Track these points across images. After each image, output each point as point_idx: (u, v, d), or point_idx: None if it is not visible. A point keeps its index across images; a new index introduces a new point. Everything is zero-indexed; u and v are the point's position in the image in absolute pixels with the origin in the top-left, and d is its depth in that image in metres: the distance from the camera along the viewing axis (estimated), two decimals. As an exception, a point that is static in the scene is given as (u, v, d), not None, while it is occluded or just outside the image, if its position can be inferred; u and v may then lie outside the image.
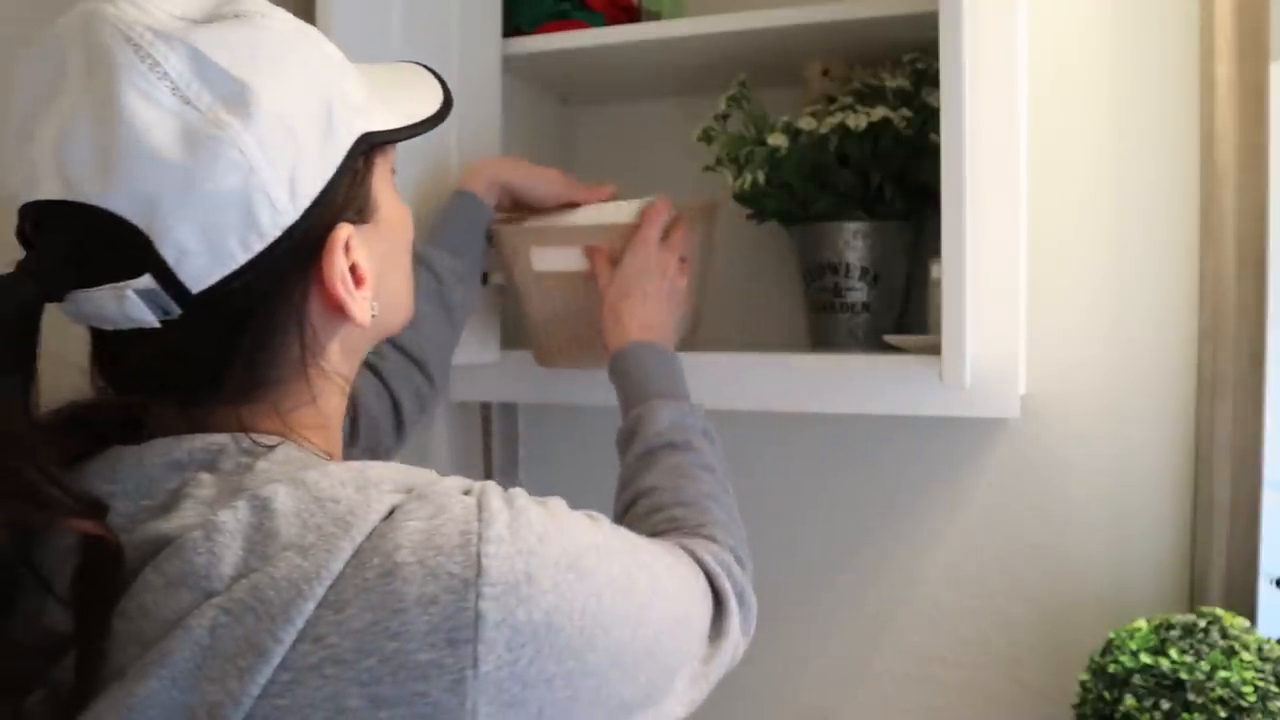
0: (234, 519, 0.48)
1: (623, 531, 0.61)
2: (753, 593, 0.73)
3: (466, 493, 0.53)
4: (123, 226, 0.49)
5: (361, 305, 0.58)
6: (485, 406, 1.42)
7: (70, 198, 0.50)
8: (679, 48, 1.20)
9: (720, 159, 1.21)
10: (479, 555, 0.48)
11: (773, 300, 1.33)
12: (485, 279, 1.20)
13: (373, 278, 0.59)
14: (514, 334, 1.31)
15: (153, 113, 0.49)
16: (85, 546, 0.49)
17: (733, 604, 0.69)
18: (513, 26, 1.26)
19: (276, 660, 0.45)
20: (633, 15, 1.31)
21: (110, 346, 0.55)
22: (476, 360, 1.21)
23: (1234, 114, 1.08)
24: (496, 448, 1.43)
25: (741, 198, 1.20)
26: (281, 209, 0.52)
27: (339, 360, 0.60)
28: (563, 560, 0.51)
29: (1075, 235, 1.17)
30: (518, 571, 0.49)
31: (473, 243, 1.03)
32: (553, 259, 1.07)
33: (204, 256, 0.51)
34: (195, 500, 0.50)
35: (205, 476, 0.51)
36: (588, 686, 0.52)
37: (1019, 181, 1.06)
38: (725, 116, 1.21)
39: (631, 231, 1.02)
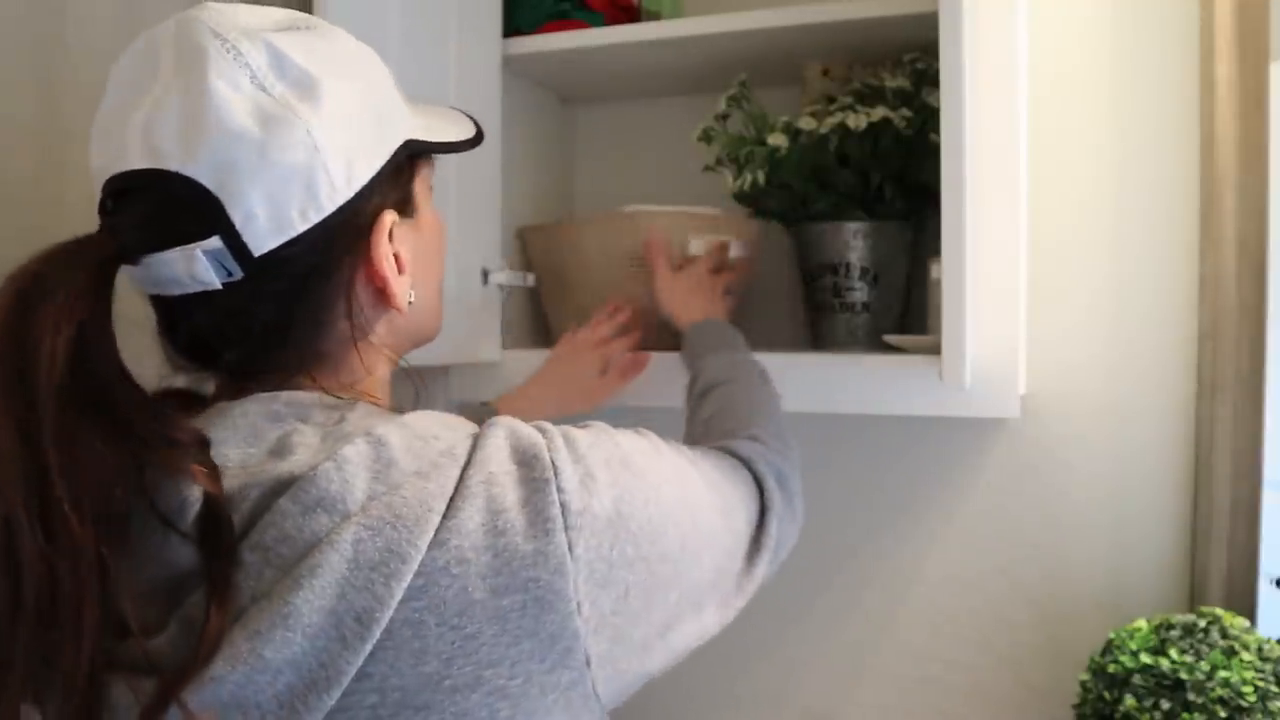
0: (356, 453, 0.54)
1: (671, 442, 0.70)
2: (796, 478, 0.81)
3: (519, 422, 0.62)
4: (200, 191, 0.56)
5: (402, 289, 0.64)
6: (485, 406, 1.41)
7: (156, 165, 0.56)
8: (679, 48, 1.21)
9: (720, 159, 1.21)
10: (552, 461, 0.57)
11: (773, 300, 1.33)
12: (485, 277, 1.21)
13: (411, 269, 0.65)
14: (517, 333, 1.31)
15: (234, 94, 0.56)
16: (205, 489, 0.54)
17: (770, 484, 0.76)
18: (513, 26, 1.26)
19: (415, 566, 0.52)
20: (633, 15, 1.31)
21: (174, 314, 0.61)
22: (477, 360, 1.21)
23: (1234, 114, 1.08)
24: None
25: (741, 198, 1.20)
26: (338, 187, 0.59)
27: (386, 338, 0.66)
28: (614, 460, 0.60)
29: (1075, 235, 1.17)
30: (580, 471, 0.58)
31: None
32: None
33: (267, 222, 0.57)
34: (305, 445, 0.56)
35: (304, 426, 0.58)
36: (663, 571, 0.60)
37: (1019, 181, 1.06)
38: (725, 116, 1.21)
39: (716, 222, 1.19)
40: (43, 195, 0.99)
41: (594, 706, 0.57)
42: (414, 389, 0.69)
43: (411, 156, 0.66)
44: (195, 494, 0.54)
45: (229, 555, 0.52)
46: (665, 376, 1.07)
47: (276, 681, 0.50)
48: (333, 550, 0.51)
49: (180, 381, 0.64)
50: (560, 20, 1.25)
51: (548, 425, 0.61)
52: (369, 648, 0.51)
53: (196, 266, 0.57)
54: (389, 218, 0.63)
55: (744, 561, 0.71)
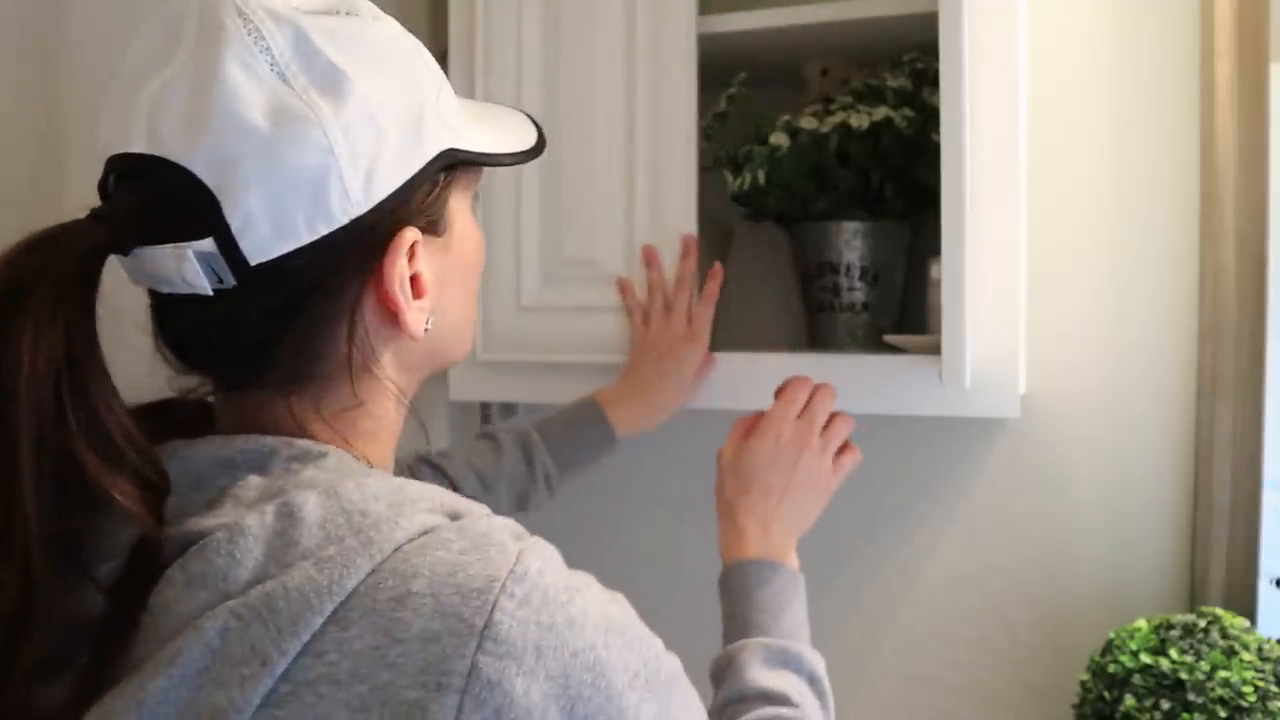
0: (259, 523, 0.48)
1: (687, 695, 0.55)
2: None
3: (517, 539, 0.51)
4: (195, 186, 0.50)
5: (416, 316, 0.57)
6: (485, 406, 1.41)
7: (154, 152, 0.51)
8: (679, 48, 1.20)
9: (718, 158, 1.21)
10: (494, 607, 0.46)
11: (773, 300, 1.33)
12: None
13: (433, 294, 0.58)
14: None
15: (249, 83, 0.51)
16: (139, 541, 0.49)
17: None
18: (513, 26, 1.26)
19: (279, 671, 0.45)
20: (633, 15, 1.31)
21: (166, 310, 0.56)
22: (476, 360, 1.21)
23: (1234, 114, 1.08)
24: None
25: (740, 197, 1.20)
26: (354, 198, 0.53)
27: (392, 371, 0.59)
28: (584, 657, 0.47)
29: (1075, 235, 1.17)
30: (528, 640, 0.46)
31: (583, 463, 1.04)
32: None
33: (268, 228, 0.51)
34: (236, 501, 0.50)
35: (253, 478, 0.52)
36: None
37: (1019, 181, 1.05)
38: (724, 116, 1.21)
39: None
40: (42, 195, 0.99)
41: None
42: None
43: (450, 167, 0.58)
44: (124, 540, 0.50)
45: (132, 614, 0.48)
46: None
47: None
48: (197, 638, 0.45)
49: (176, 384, 0.59)
50: (560, 20, 1.25)
51: (535, 562, 0.48)
52: None
53: (186, 268, 0.51)
54: (409, 236, 0.55)
55: None
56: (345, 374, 0.56)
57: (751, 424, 0.86)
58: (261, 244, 0.51)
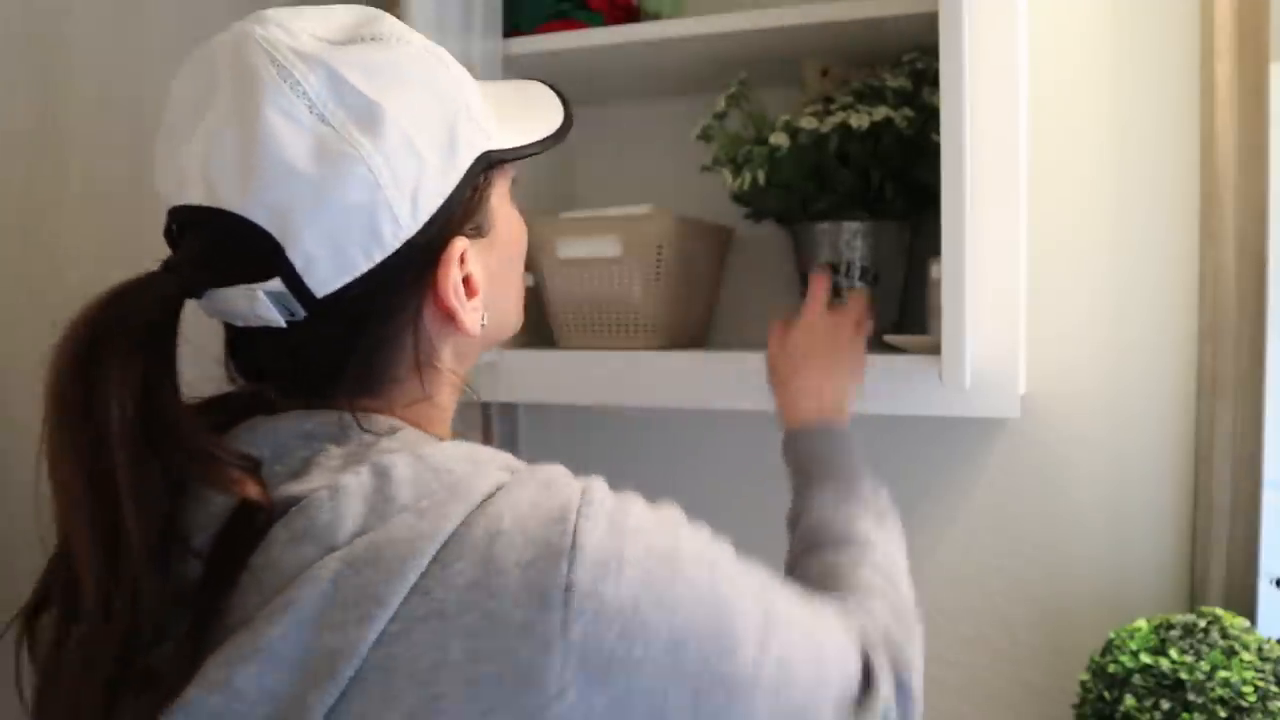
0: (357, 482, 0.52)
1: (747, 563, 0.60)
2: (917, 673, 0.73)
3: (576, 477, 0.57)
4: (257, 233, 0.54)
5: (472, 316, 0.61)
6: (485, 406, 1.41)
7: (213, 204, 0.54)
8: (679, 48, 1.20)
9: (718, 158, 1.21)
10: (575, 530, 0.51)
11: (772, 300, 1.33)
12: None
13: (485, 290, 0.62)
14: (516, 334, 1.31)
15: (291, 129, 0.53)
16: (238, 506, 0.53)
17: (880, 660, 0.68)
18: (513, 26, 1.26)
19: (391, 611, 0.49)
20: (633, 15, 1.31)
21: (241, 341, 0.60)
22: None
23: (1234, 114, 1.08)
24: (496, 447, 1.43)
25: (740, 197, 1.20)
26: (403, 223, 0.56)
27: (452, 362, 0.64)
28: (656, 551, 0.53)
29: (1075, 235, 1.17)
30: (609, 550, 0.51)
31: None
32: (576, 248, 1.21)
33: (329, 264, 0.55)
34: (323, 468, 0.54)
35: (333, 448, 0.55)
36: (680, 698, 0.52)
37: (1019, 181, 1.06)
38: (723, 116, 1.21)
39: (647, 223, 1.14)
40: (42, 195, 0.99)
41: None
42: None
43: (487, 168, 0.61)
44: (218, 509, 0.53)
45: (229, 578, 0.51)
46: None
47: (254, 712, 0.48)
48: (311, 586, 0.49)
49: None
50: (560, 20, 1.25)
51: (600, 490, 0.55)
52: (339, 689, 0.48)
53: (258, 305, 0.55)
54: (459, 246, 0.59)
55: None
56: (414, 375, 0.60)
57: (787, 322, 1.01)
58: (325, 278, 0.55)
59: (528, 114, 0.68)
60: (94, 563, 0.51)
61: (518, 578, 0.50)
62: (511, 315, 0.70)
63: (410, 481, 0.53)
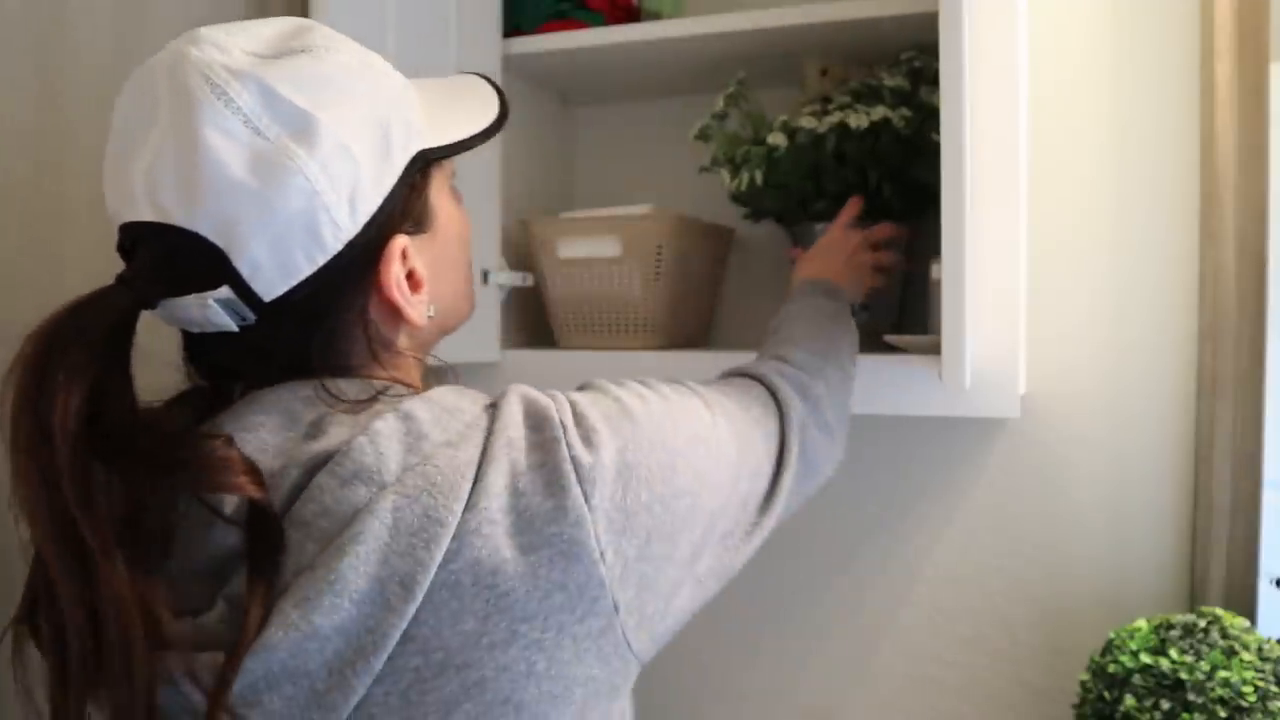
0: (387, 427, 0.57)
1: (677, 382, 0.72)
2: (832, 398, 0.83)
3: (545, 391, 0.64)
4: (204, 245, 0.57)
5: (418, 309, 0.65)
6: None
7: (160, 220, 0.57)
8: (679, 48, 1.21)
9: (716, 158, 1.21)
10: (560, 422, 0.59)
11: (773, 300, 1.32)
12: (485, 277, 1.21)
13: (430, 282, 0.65)
14: (516, 333, 1.31)
15: (228, 145, 0.56)
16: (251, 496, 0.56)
17: (786, 393, 0.78)
18: (513, 26, 1.26)
19: (452, 530, 0.54)
20: (633, 15, 1.31)
21: (199, 345, 0.63)
22: (476, 360, 1.21)
23: (1234, 114, 1.08)
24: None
25: (738, 198, 1.20)
26: (343, 225, 0.59)
27: (409, 345, 0.67)
28: (611, 414, 0.62)
29: (1075, 235, 1.17)
30: (582, 430, 0.60)
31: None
32: (576, 248, 1.23)
33: (274, 270, 0.58)
34: (338, 424, 0.58)
35: (341, 404, 0.60)
36: (680, 507, 0.62)
37: (1019, 181, 1.05)
38: (722, 116, 1.21)
39: (646, 222, 1.18)
40: (42, 195, 0.99)
41: (626, 656, 0.59)
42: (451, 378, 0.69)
43: (424, 166, 0.65)
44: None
45: (273, 537, 0.54)
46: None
47: (325, 648, 0.52)
48: (374, 518, 0.53)
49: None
50: (560, 20, 1.26)
51: (555, 392, 0.64)
52: (412, 610, 0.53)
53: (210, 312, 0.58)
54: (399, 243, 0.62)
55: (770, 477, 0.73)
56: (371, 360, 0.64)
57: (854, 210, 1.11)
58: (271, 283, 0.58)
59: (463, 109, 0.71)
60: (61, 568, 0.52)
61: (536, 472, 0.57)
62: (461, 302, 0.73)
63: (432, 421, 0.58)
